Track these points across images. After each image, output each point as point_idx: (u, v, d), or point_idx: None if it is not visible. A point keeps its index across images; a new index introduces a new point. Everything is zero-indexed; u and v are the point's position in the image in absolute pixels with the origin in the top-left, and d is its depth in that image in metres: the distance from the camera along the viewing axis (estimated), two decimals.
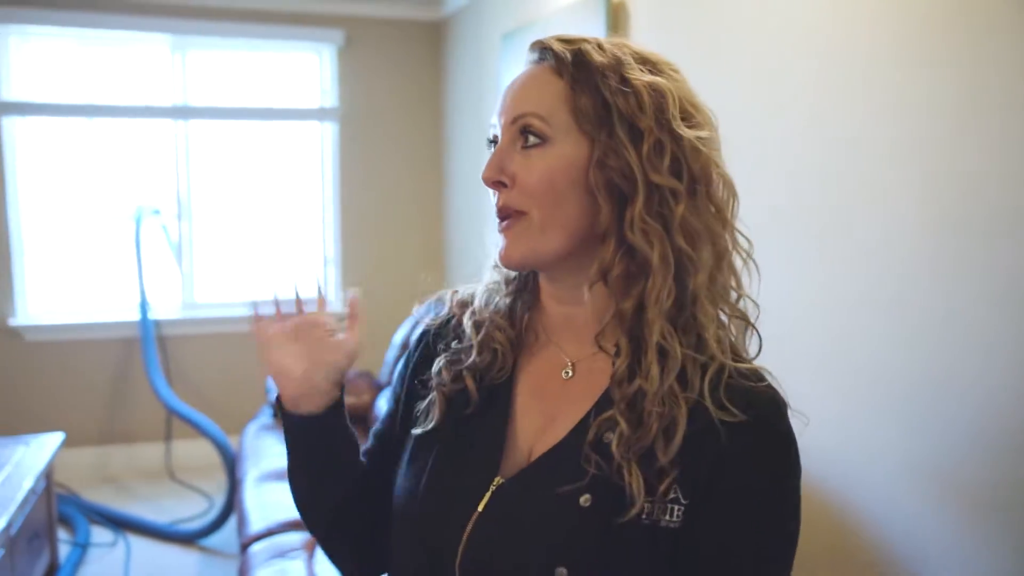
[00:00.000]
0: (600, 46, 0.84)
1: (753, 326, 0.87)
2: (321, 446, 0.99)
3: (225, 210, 4.62)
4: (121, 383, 4.47)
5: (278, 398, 0.99)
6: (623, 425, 0.79)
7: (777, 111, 1.98)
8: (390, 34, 4.65)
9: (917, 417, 1.62)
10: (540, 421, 0.87)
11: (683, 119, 0.82)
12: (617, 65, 0.82)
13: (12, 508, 2.59)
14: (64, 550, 3.46)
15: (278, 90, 4.60)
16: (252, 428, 3.73)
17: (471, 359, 0.92)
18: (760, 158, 2.00)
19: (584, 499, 0.80)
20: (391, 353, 3.68)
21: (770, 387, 0.84)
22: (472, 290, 0.96)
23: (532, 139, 0.83)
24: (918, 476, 1.63)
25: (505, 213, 0.84)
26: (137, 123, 4.43)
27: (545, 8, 3.16)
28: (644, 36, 2.49)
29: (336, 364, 0.96)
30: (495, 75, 3.80)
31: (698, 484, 0.79)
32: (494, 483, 0.86)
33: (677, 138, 0.81)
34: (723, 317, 0.84)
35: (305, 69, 4.66)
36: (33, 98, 4.23)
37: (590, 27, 2.67)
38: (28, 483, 2.82)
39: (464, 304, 0.96)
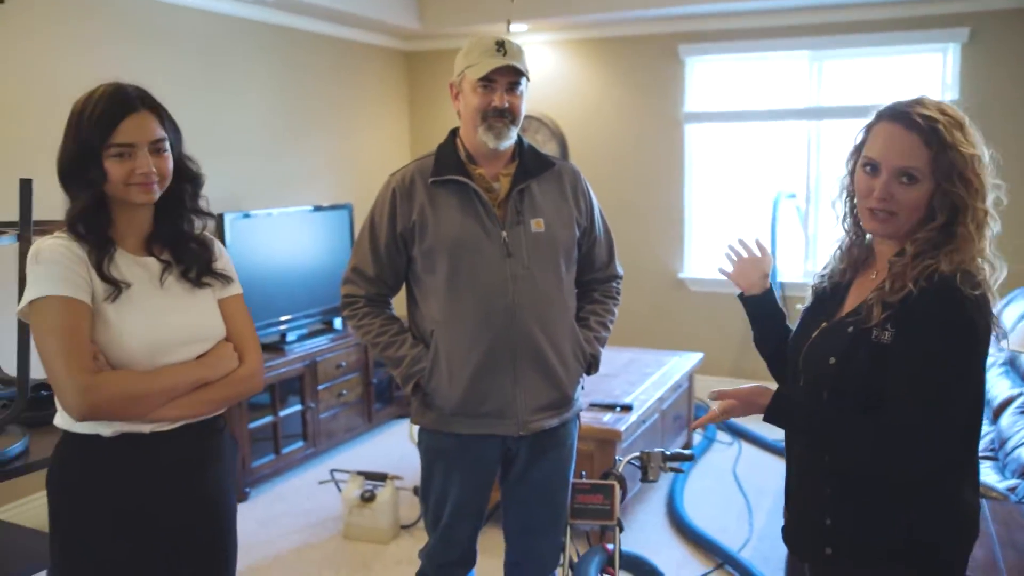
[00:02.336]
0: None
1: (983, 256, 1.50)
2: (763, 314, 1.88)
3: None
4: (749, 331, 5.66)
5: (741, 294, 1.90)
6: (886, 283, 1.50)
7: None
8: (1019, 24, 4.82)
9: None
10: (852, 301, 1.61)
11: (980, 165, 1.49)
12: (955, 141, 1.50)
13: (666, 387, 3.94)
14: (696, 439, 4.80)
15: (899, 88, 5.19)
16: None
17: (827, 270, 1.72)
18: None
19: (850, 328, 1.54)
20: None
21: (956, 284, 1.44)
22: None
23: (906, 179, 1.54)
24: None
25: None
26: (778, 124, 5.53)
27: None
28: None
29: (758, 269, 1.88)
30: None
31: (901, 322, 1.47)
32: (822, 325, 1.63)
33: (983, 182, 1.50)
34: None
35: (926, 67, 5.15)
36: (703, 108, 5.66)
37: None
38: (676, 378, 4.16)
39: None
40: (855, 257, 1.68)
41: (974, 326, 1.45)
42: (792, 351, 1.71)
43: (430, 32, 5.96)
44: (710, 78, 5.67)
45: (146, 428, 1.67)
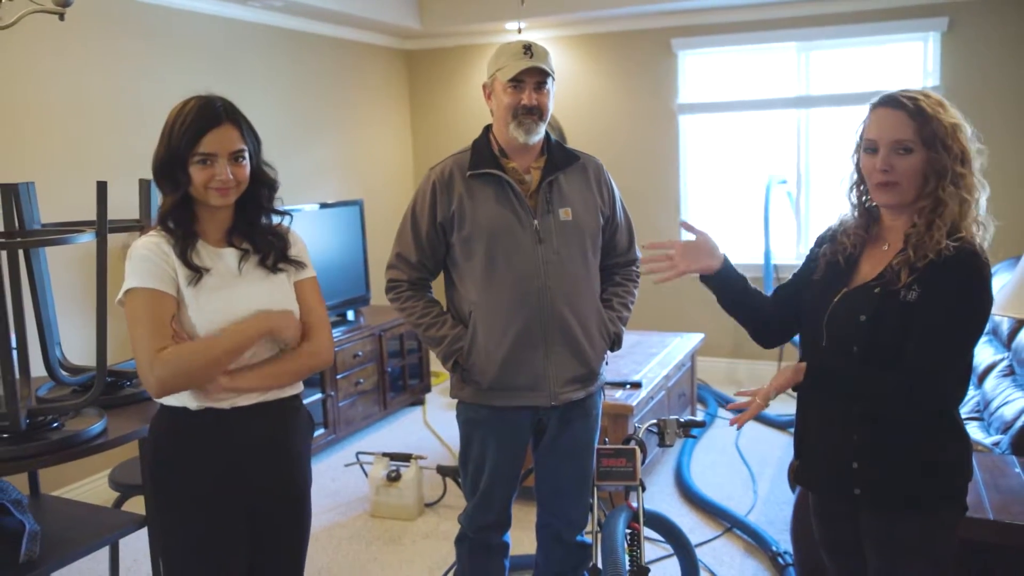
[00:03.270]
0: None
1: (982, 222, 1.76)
2: (727, 288, 2.06)
3: (835, 178, 5.64)
4: None
5: (701, 276, 2.07)
6: (909, 251, 1.72)
7: None
8: (996, 12, 5.06)
9: None
10: (868, 270, 1.83)
11: (961, 134, 1.73)
12: (936, 113, 1.73)
13: (671, 366, 4.17)
14: (699, 415, 5.03)
15: (883, 76, 5.42)
16: None
17: (835, 244, 1.92)
18: None
19: (877, 290, 1.76)
20: None
21: (975, 249, 1.69)
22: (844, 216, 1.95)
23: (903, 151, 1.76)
24: None
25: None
26: (768, 113, 5.75)
27: None
28: None
29: (703, 248, 2.06)
30: None
31: (925, 282, 1.69)
32: (841, 291, 1.84)
33: (964, 148, 1.73)
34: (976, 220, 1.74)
35: (908, 55, 5.39)
36: (696, 99, 5.88)
37: None
38: (679, 357, 4.39)
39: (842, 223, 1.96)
40: (861, 235, 1.90)
41: (989, 285, 1.71)
42: (812, 316, 1.91)
43: (430, 31, 6.16)
44: (702, 70, 5.89)
45: (226, 404, 1.86)
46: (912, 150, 1.74)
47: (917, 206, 1.77)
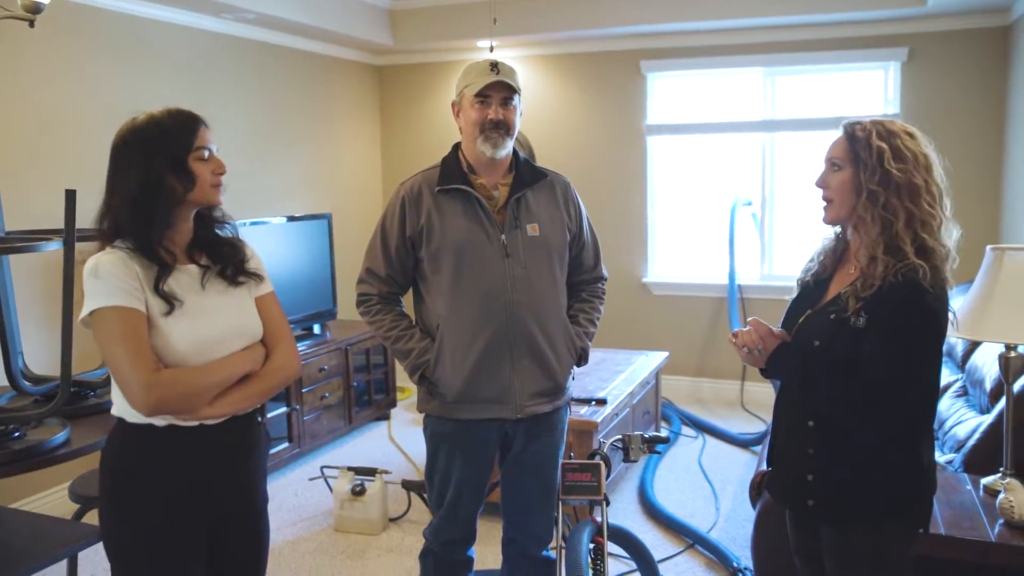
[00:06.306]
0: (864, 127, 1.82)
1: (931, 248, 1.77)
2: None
3: (798, 201, 5.77)
4: (711, 331, 5.98)
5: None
6: (858, 282, 1.78)
7: None
8: (953, 45, 5.23)
9: None
10: (835, 290, 1.90)
11: (894, 159, 1.77)
12: (867, 136, 1.80)
13: (635, 384, 4.21)
14: (663, 432, 5.07)
15: (845, 102, 5.55)
16: None
17: (812, 267, 2.00)
18: None
19: (832, 316, 1.83)
20: None
21: (919, 280, 1.72)
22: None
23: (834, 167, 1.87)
24: None
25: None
26: (734, 136, 5.86)
27: None
28: None
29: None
30: None
31: (872, 310, 1.75)
32: (807, 312, 1.91)
33: (886, 170, 1.77)
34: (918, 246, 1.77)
35: (870, 83, 5.53)
36: (664, 121, 5.97)
37: None
38: (644, 375, 4.43)
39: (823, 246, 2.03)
40: (836, 255, 1.99)
41: (932, 314, 1.76)
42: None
43: (402, 48, 6.20)
44: (670, 92, 5.99)
45: (194, 421, 1.83)
46: (840, 167, 1.86)
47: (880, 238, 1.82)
